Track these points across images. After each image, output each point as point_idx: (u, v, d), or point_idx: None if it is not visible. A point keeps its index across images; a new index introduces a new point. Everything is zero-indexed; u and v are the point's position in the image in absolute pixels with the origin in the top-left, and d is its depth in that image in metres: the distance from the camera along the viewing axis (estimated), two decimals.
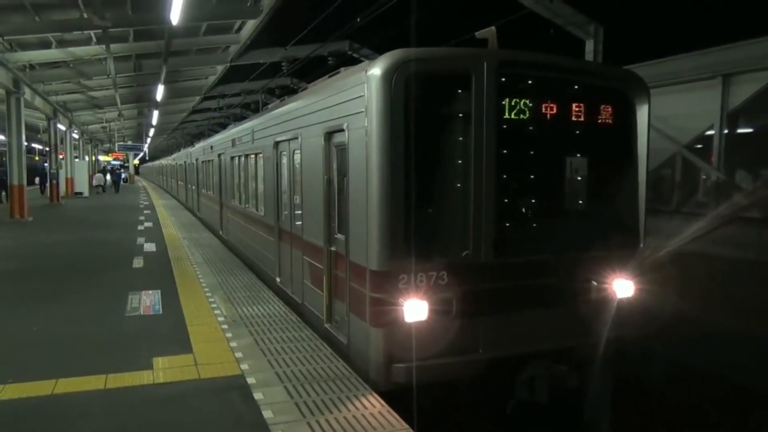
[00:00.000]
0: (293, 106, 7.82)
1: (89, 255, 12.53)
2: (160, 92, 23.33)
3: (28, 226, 18.44)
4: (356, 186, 5.31)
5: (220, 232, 14.98)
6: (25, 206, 19.83)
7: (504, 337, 5.30)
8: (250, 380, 5.13)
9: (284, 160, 8.21)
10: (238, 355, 5.81)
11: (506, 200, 5.32)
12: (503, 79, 5.19)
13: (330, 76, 6.91)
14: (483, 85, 5.10)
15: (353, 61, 6.72)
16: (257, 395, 4.80)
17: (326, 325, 6.37)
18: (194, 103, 34.19)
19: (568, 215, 5.82)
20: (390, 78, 4.84)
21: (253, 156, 10.51)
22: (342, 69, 6.72)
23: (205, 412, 4.57)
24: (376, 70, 4.94)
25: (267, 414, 4.44)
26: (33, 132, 32.96)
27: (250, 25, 17.24)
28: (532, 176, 5.52)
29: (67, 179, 33.13)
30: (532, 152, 5.51)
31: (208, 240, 14.77)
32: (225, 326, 6.82)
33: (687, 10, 16.53)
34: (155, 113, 32.72)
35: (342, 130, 5.63)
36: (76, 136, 38.25)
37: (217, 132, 22.90)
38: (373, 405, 4.60)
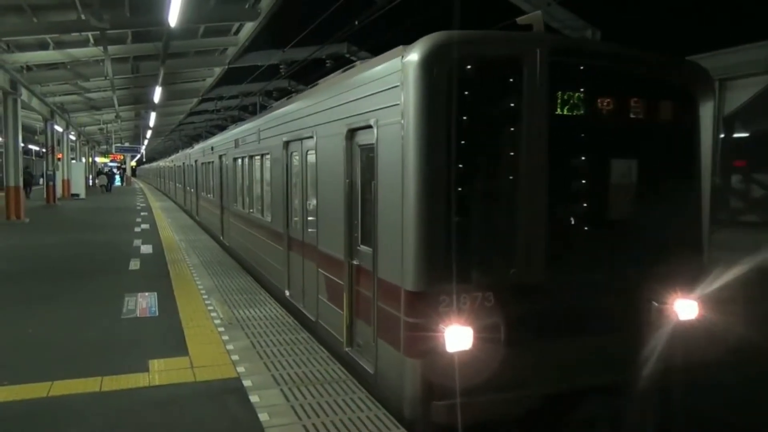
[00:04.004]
0: (307, 101, 7.08)
1: (85, 257, 12.50)
2: (157, 94, 23.33)
3: (25, 227, 18.38)
4: (387, 191, 4.63)
5: (221, 238, 14.33)
6: (21, 208, 19.78)
7: (559, 368, 4.59)
8: (246, 383, 5.11)
9: (296, 162, 7.53)
10: (234, 357, 5.80)
11: (559, 210, 4.68)
12: (556, 69, 4.49)
13: (344, 71, 6.37)
14: (536, 76, 4.42)
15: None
16: (253, 398, 4.79)
17: (346, 349, 5.67)
18: (192, 105, 34.18)
19: (626, 227, 5.07)
20: (431, 64, 4.17)
21: (258, 157, 9.80)
22: (358, 62, 6.19)
23: (201, 414, 4.55)
24: (414, 55, 4.23)
25: (263, 417, 4.43)
26: (30, 133, 32.89)
27: (248, 28, 17.25)
28: (586, 182, 4.79)
29: (63, 181, 33.09)
30: (587, 154, 4.80)
31: (206, 243, 14.74)
32: (221, 329, 6.81)
33: (683, 15, 16.63)
34: (153, 115, 32.72)
35: (369, 127, 4.94)
36: (73, 137, 38.20)
37: (214, 134, 22.80)
38: (369, 408, 4.59)
